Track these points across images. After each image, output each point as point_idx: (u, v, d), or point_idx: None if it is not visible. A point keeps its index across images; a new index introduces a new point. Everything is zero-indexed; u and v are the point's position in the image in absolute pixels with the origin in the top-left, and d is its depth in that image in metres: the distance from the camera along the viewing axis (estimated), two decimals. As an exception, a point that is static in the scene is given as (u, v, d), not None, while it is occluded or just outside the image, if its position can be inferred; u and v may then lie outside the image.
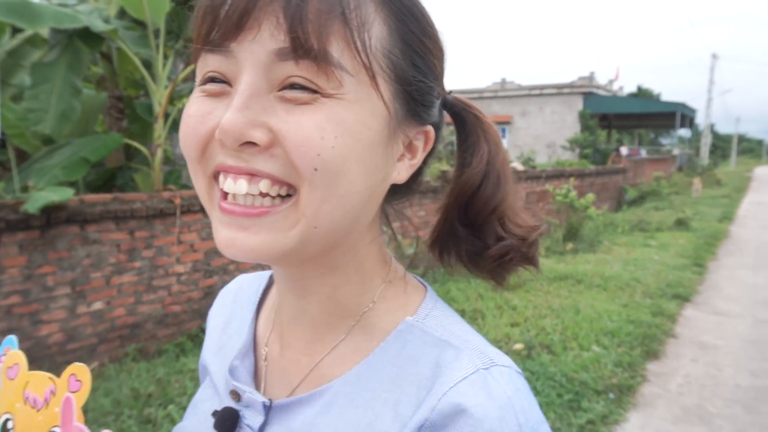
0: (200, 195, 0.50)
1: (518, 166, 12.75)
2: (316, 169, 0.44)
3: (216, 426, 0.55)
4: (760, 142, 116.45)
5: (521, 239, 0.53)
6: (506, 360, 0.51)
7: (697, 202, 16.75)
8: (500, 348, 3.61)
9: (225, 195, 0.47)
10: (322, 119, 0.43)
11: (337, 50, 0.43)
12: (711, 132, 43.31)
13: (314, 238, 0.47)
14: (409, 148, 0.52)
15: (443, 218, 0.56)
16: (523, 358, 4.10)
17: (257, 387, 0.58)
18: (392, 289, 0.56)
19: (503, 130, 28.41)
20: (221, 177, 0.47)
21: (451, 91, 0.56)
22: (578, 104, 26.27)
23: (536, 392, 3.65)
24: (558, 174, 10.85)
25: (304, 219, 0.46)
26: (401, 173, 0.51)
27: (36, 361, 3.33)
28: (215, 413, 0.56)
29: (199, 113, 0.47)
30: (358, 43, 0.44)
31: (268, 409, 0.54)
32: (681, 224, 11.15)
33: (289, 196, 0.46)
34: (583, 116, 25.81)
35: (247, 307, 0.67)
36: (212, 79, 0.47)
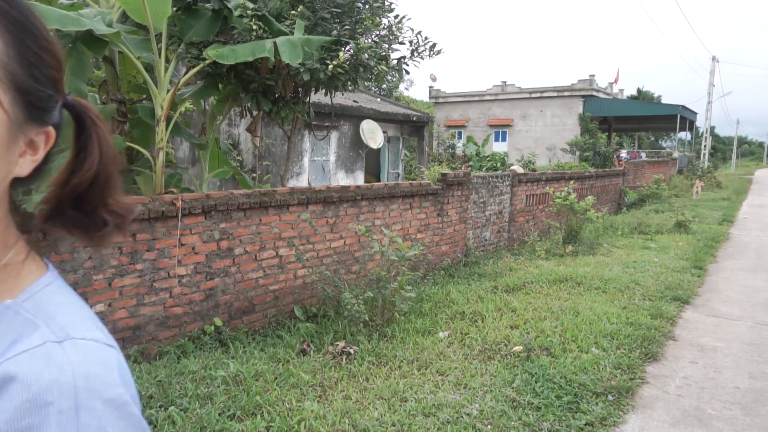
0: None
1: (518, 169, 12.76)
2: None
3: None
4: (760, 145, 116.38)
5: (120, 217, 0.64)
6: (94, 335, 0.55)
7: (697, 204, 16.77)
8: (499, 350, 3.59)
9: None
10: None
11: None
12: (711, 135, 43.29)
13: None
14: (31, 145, 0.57)
15: (54, 204, 0.62)
16: (523, 360, 4.11)
17: None
18: (4, 273, 0.58)
19: (504, 134, 28.46)
20: None
21: (69, 92, 0.64)
22: (578, 107, 26.29)
23: (535, 394, 3.66)
24: (558, 177, 10.87)
25: None
26: (23, 168, 0.57)
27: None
28: None
29: None
30: None
31: None
32: (681, 227, 11.16)
33: None
34: (583, 119, 25.84)
35: None
36: None
